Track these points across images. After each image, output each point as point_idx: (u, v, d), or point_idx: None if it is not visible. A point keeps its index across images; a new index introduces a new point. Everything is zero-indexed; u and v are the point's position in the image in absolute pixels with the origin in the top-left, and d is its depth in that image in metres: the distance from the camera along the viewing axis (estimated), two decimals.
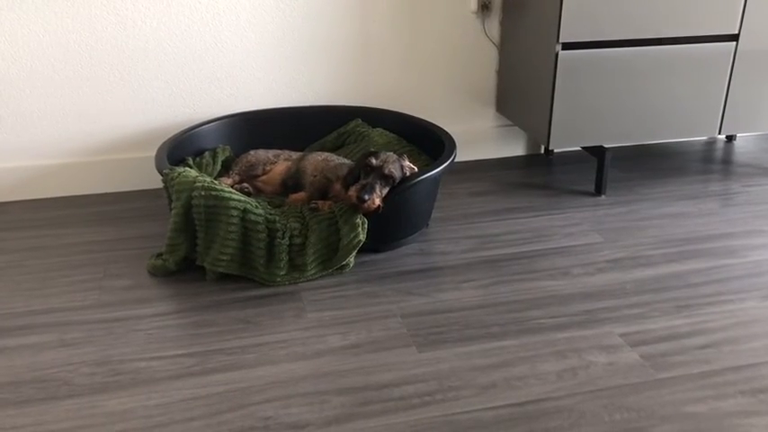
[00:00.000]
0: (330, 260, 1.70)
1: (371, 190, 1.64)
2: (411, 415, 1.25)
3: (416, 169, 1.75)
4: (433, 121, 2.10)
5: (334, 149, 2.13)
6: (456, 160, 1.87)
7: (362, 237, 1.68)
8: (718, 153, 2.56)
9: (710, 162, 2.47)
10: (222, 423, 1.22)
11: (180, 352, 1.42)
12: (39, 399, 1.29)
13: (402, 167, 1.72)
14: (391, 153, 1.73)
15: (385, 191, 1.69)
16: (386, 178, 1.68)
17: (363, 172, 1.69)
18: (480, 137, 2.46)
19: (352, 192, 1.65)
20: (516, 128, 2.44)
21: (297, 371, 1.36)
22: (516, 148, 2.53)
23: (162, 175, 1.75)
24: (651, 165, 2.44)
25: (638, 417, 1.24)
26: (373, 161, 1.68)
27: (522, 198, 2.17)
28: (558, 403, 1.27)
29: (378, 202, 1.66)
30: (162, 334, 1.49)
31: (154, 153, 1.92)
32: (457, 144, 1.92)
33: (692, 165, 2.44)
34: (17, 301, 1.61)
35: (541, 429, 1.21)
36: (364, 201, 1.63)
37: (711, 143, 2.67)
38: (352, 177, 1.73)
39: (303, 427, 1.21)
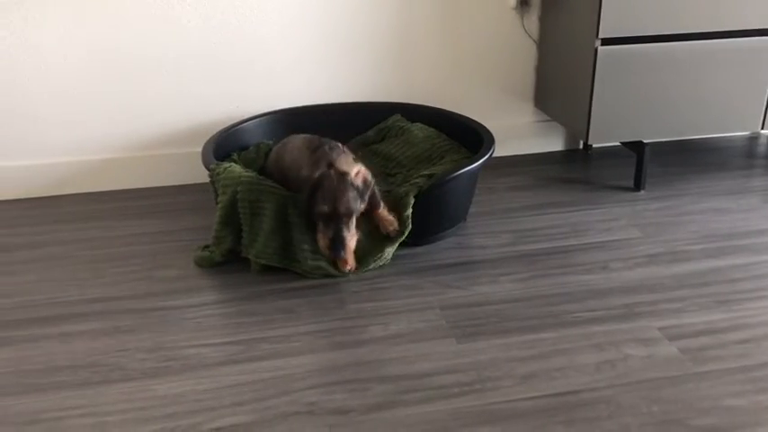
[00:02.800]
0: (371, 255, 1.73)
1: (342, 243, 1.56)
2: (450, 404, 1.28)
3: (366, 172, 1.63)
4: (472, 117, 2.12)
5: (374, 144, 2.17)
6: (495, 155, 1.89)
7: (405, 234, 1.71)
8: (761, 149, 2.53)
9: (752, 158, 2.44)
10: (268, 408, 1.27)
11: (227, 340, 1.48)
12: (95, 382, 1.35)
13: (353, 185, 1.57)
14: (331, 174, 1.57)
15: (353, 223, 1.59)
16: (347, 215, 1.56)
17: (320, 220, 1.58)
18: (519, 132, 2.47)
19: (325, 249, 1.58)
20: (555, 123, 2.45)
21: (339, 359, 1.41)
22: (555, 144, 2.54)
23: (209, 170, 1.80)
24: (691, 160, 2.42)
25: (675, 409, 1.25)
26: (325, 209, 1.54)
27: (560, 193, 2.18)
28: (596, 394, 1.29)
29: (353, 244, 1.60)
30: (209, 322, 1.54)
31: (198, 149, 1.98)
32: (495, 139, 1.94)
33: (733, 160, 2.42)
34: (71, 289, 1.69)
35: (580, 419, 1.23)
36: (341, 257, 1.58)
37: (754, 138, 2.63)
38: (305, 209, 1.61)
39: (346, 413, 1.26)
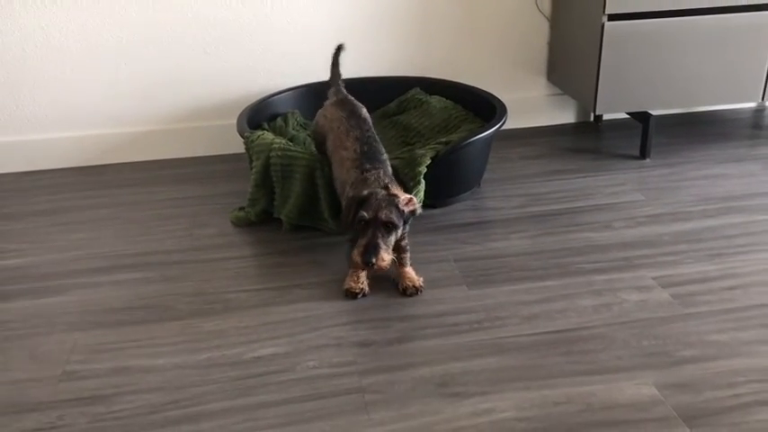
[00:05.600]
0: None
1: (375, 250, 1.46)
2: (462, 338, 1.44)
3: (416, 202, 1.56)
4: (488, 90, 2.26)
5: (395, 116, 2.32)
6: (509, 127, 2.04)
7: (421, 195, 1.86)
8: (766, 120, 2.64)
9: (757, 128, 2.55)
10: (302, 341, 1.45)
11: (263, 286, 1.65)
12: (148, 320, 1.54)
13: (398, 207, 1.51)
14: (381, 193, 1.52)
15: (391, 240, 1.51)
16: (386, 226, 1.49)
17: (359, 227, 1.51)
18: (532, 105, 2.61)
19: (356, 256, 1.48)
20: (566, 96, 2.58)
21: (363, 302, 1.58)
22: (567, 116, 2.67)
23: (243, 138, 1.97)
24: (697, 131, 2.54)
25: (664, 343, 1.40)
26: (365, 215, 1.48)
27: (570, 161, 2.32)
28: (592, 331, 1.45)
29: (386, 258, 1.48)
30: (247, 272, 1.72)
31: (230, 122, 2.15)
32: (510, 111, 2.08)
33: (737, 131, 2.53)
34: (121, 245, 1.87)
35: (577, 351, 1.39)
36: (371, 264, 1.46)
37: (760, 111, 2.74)
38: (347, 223, 1.54)
39: (369, 345, 1.43)
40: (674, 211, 1.95)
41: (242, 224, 1.94)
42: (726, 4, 2.12)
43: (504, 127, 2.03)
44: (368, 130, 1.77)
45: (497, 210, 2.00)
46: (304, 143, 2.11)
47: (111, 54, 2.29)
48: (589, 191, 2.10)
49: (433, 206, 1.99)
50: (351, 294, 1.60)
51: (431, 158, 1.86)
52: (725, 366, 1.33)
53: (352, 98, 1.93)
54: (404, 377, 1.33)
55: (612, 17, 2.09)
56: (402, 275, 1.64)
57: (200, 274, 1.72)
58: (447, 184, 1.98)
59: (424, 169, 1.84)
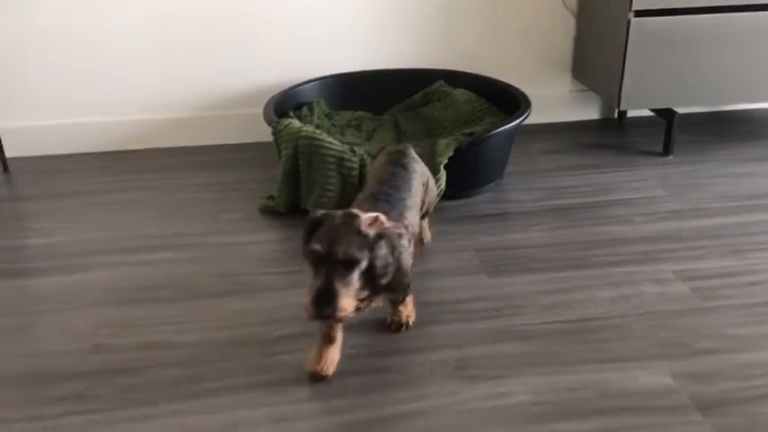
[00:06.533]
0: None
1: (330, 297, 1.11)
2: (481, 324, 1.47)
3: (384, 220, 1.21)
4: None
5: (419, 107, 2.35)
6: (532, 122, 2.05)
7: (443, 185, 1.88)
8: None
9: None
10: None
11: (286, 269, 1.69)
12: (175, 299, 1.58)
13: (360, 232, 1.15)
14: (337, 216, 1.18)
15: (353, 279, 1.14)
16: (345, 264, 1.12)
17: (310, 260, 1.16)
18: (556, 101, 2.62)
19: (307, 305, 1.12)
20: (591, 93, 2.58)
21: None
22: (591, 113, 2.67)
23: (271, 126, 2.01)
24: (722, 129, 2.53)
25: (682, 335, 1.41)
26: (318, 248, 1.13)
27: (593, 157, 2.32)
28: (610, 322, 1.46)
29: (347, 306, 1.12)
30: (271, 255, 1.76)
31: (258, 110, 2.18)
32: (534, 107, 2.09)
33: (763, 130, 2.52)
34: (148, 227, 1.92)
35: (594, 340, 1.41)
36: (327, 316, 1.12)
37: None
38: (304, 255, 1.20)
39: (387, 328, 1.46)
40: (696, 207, 1.95)
41: (271, 212, 1.97)
42: (753, 2, 2.11)
43: (527, 121, 2.04)
44: (397, 188, 1.41)
45: (519, 202, 2.01)
46: (329, 132, 2.14)
47: (143, 41, 2.35)
48: (611, 186, 2.10)
49: (454, 197, 2.01)
50: (314, 378, 1.31)
51: (453, 150, 1.88)
52: (742, 359, 1.34)
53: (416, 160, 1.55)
54: (422, 359, 1.36)
55: (639, 13, 2.09)
56: (395, 312, 1.44)
57: (226, 256, 1.76)
58: (469, 175, 2.00)
59: (444, 160, 1.86)
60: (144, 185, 2.19)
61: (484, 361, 1.35)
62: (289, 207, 1.96)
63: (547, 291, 1.58)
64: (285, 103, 2.22)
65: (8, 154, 2.35)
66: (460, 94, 2.30)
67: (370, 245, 1.15)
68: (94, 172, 2.30)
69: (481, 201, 2.03)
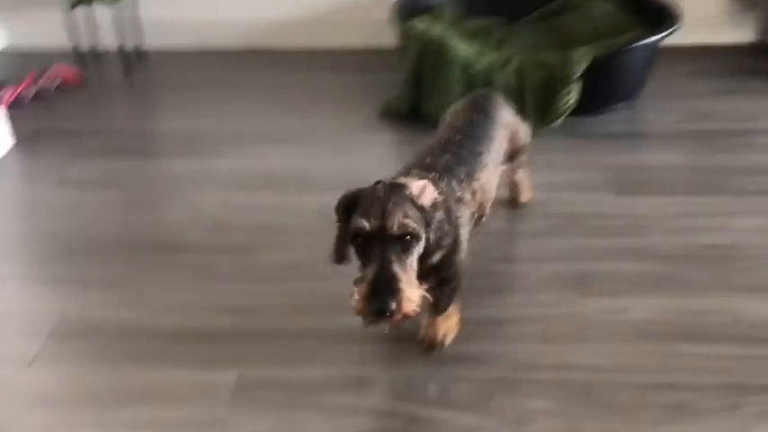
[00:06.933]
0: (544, 118, 1.82)
1: (391, 289, 0.87)
2: (601, 241, 1.40)
3: (433, 190, 0.98)
4: None
5: (553, 17, 2.21)
6: (679, 42, 1.86)
7: (573, 100, 1.78)
8: None
9: None
10: None
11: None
12: (303, 189, 1.62)
13: (414, 202, 0.93)
14: (383, 185, 0.95)
15: (413, 261, 0.92)
16: (402, 240, 0.90)
17: (354, 244, 0.93)
18: (708, 21, 2.38)
19: (359, 305, 0.88)
20: (748, 15, 2.33)
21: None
22: (745, 35, 2.42)
23: (398, 29, 1.96)
24: None
25: None
26: (363, 223, 0.90)
27: (742, 82, 2.12)
28: (748, 251, 1.36)
29: (414, 297, 0.89)
30: (389, 154, 1.78)
31: (384, 14, 2.12)
32: (684, 24, 1.90)
33: None
34: (276, 122, 1.96)
35: (729, 267, 1.31)
36: (384, 317, 0.87)
37: None
38: (338, 250, 0.99)
39: (504, 234, 1.43)
40: None
41: (393, 113, 1.95)
42: None
43: (672, 40, 1.87)
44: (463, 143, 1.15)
45: (655, 123, 1.88)
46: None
47: None
48: (760, 114, 1.92)
49: (587, 113, 1.90)
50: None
51: (590, 61, 1.76)
52: None
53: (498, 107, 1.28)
54: (540, 269, 1.32)
55: None
56: (428, 322, 1.14)
57: (345, 152, 1.78)
58: (605, 90, 1.88)
59: (580, 70, 1.75)
60: (274, 82, 2.22)
61: (603, 276, 1.30)
62: (411, 110, 1.93)
63: (678, 214, 1.48)
64: (410, 7, 2.14)
65: (148, 44, 2.45)
66: (600, 5, 2.14)
67: (427, 217, 0.93)
68: (226, 67, 2.36)
69: (615, 119, 1.91)
